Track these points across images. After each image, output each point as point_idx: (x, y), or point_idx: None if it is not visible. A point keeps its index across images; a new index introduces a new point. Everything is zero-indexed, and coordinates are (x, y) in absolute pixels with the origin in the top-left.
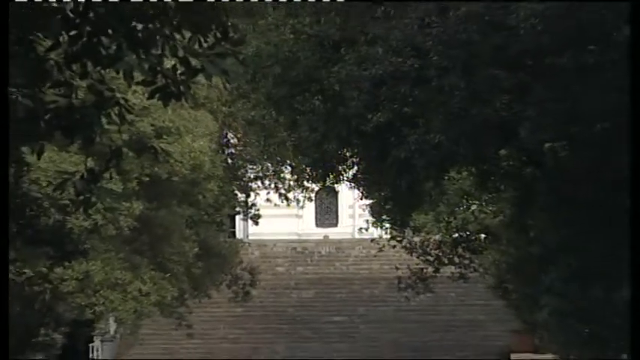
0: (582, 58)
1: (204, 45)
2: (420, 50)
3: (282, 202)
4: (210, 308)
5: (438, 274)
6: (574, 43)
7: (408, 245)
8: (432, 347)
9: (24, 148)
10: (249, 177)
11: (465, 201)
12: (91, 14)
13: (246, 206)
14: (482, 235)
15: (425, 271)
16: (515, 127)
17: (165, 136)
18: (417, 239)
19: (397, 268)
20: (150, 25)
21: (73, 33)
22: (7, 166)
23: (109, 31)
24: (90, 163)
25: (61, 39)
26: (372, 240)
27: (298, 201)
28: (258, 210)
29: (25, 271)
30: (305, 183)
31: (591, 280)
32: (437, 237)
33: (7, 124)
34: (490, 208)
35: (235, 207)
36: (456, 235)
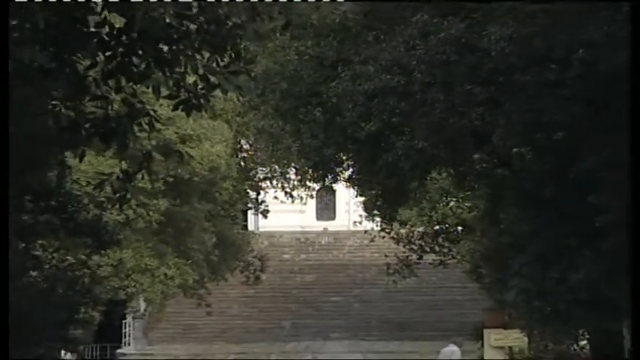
0: (545, 76)
1: (221, 64)
2: (405, 69)
3: (288, 199)
4: (225, 290)
5: (421, 261)
6: (538, 62)
7: (395, 236)
8: (416, 323)
9: (67, 153)
10: (259, 177)
11: (444, 198)
12: (124, 37)
13: (257, 202)
14: (460, 227)
15: (410, 258)
16: (487, 134)
17: (187, 142)
18: (403, 231)
19: (386, 256)
20: (174, 47)
21: (108, 54)
22: (7, 167)
23: (139, 52)
24: (124, 165)
25: (98, 59)
26: (365, 232)
27: (301, 198)
28: (267, 206)
29: (68, 258)
30: (307, 183)
31: (552, 264)
32: (420, 229)
33: (7, 125)
34: (466, 204)
35: (247, 203)
36: (437, 227)
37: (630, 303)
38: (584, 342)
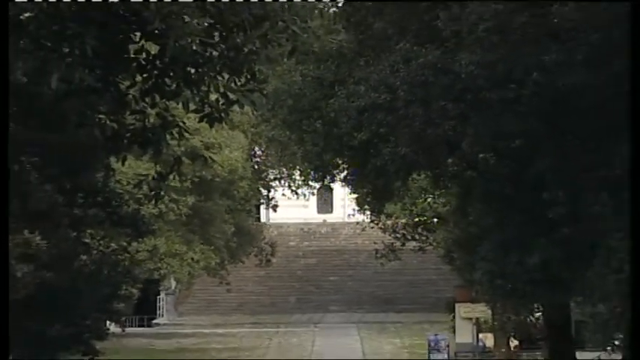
0: (505, 94)
1: (238, 83)
2: (391, 88)
3: (293, 196)
4: (242, 271)
5: (403, 247)
6: (500, 83)
7: (382, 226)
8: (399, 298)
9: (111, 158)
10: (270, 178)
11: (423, 195)
12: (158, 62)
13: (268, 199)
14: (435, 219)
15: (394, 244)
16: (458, 142)
17: (210, 149)
18: (389, 222)
19: (375, 243)
20: (200, 70)
21: (145, 75)
22: (7, 168)
23: (171, 74)
24: (158, 168)
25: (136, 80)
26: (357, 223)
27: (304, 195)
28: (276, 201)
29: (111, 244)
30: (309, 182)
31: (512, 250)
32: (403, 220)
33: (7, 126)
34: (441, 200)
35: (260, 199)
36: (417, 219)
37: (630, 302)
38: (539, 314)
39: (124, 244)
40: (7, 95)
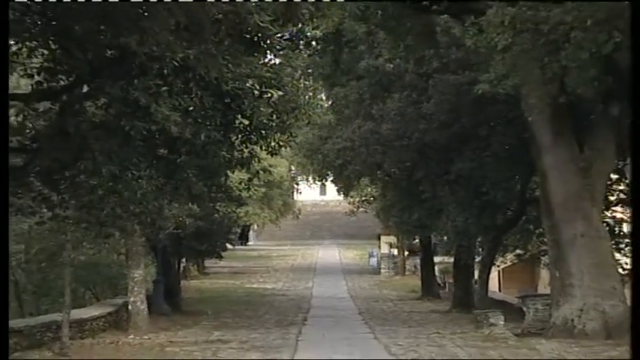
0: (402, 142)
1: (284, 137)
2: (352, 140)
3: (308, 188)
4: (286, 222)
5: (358, 210)
6: (400, 137)
7: (349, 202)
8: (356, 234)
9: (228, 171)
10: (298, 180)
11: (366, 187)
12: (249, 128)
13: (297, 189)
14: (372, 198)
15: (354, 210)
16: (382, 164)
17: (272, 167)
18: (351, 199)
19: (345, 209)
20: (268, 131)
21: (242, 134)
22: (7, 168)
23: (254, 134)
24: (249, 175)
25: (239, 136)
26: (338, 200)
27: (314, 187)
28: (300, 190)
29: (228, 209)
30: (316, 182)
31: (405, 212)
32: (357, 199)
33: (7, 124)
34: (374, 190)
35: (293, 189)
36: (364, 198)
37: (631, 302)
38: (417, 240)
39: (234, 209)
40: (7, 95)
